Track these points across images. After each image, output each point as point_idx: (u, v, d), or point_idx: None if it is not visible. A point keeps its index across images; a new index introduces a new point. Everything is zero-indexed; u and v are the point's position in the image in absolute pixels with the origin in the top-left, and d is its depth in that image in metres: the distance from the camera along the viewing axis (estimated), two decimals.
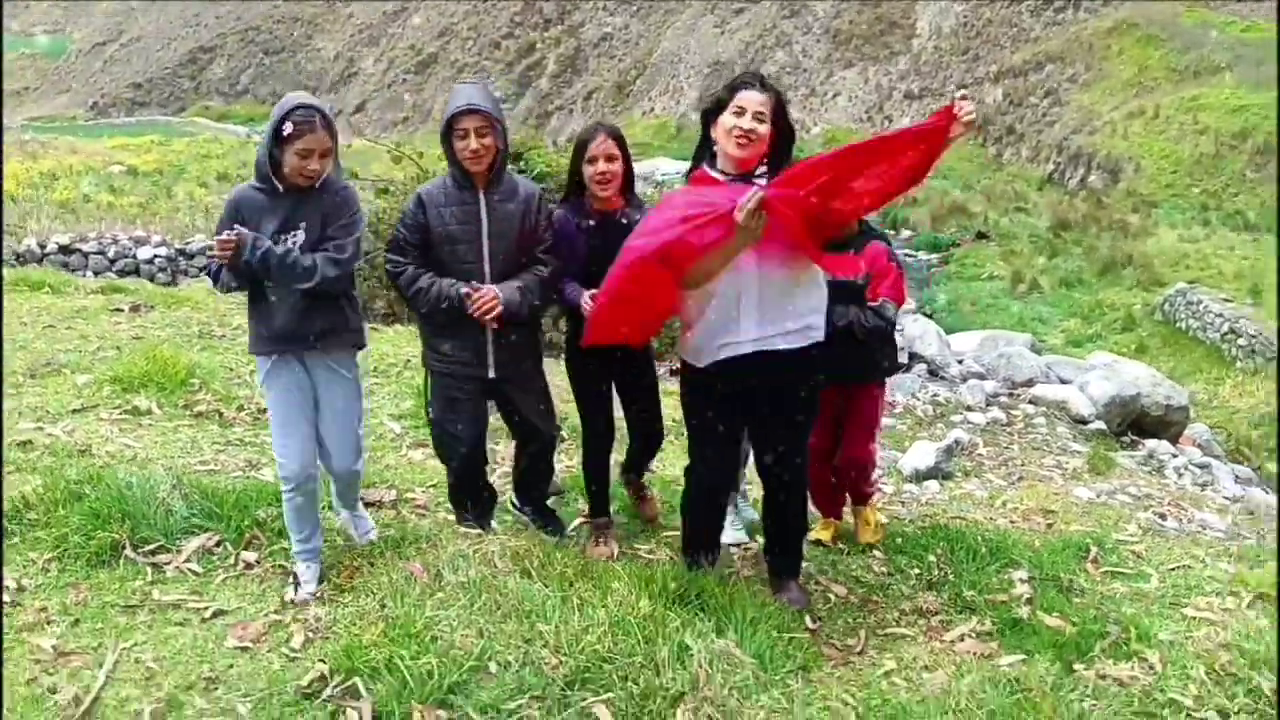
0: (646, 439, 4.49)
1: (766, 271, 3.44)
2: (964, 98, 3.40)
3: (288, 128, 3.30)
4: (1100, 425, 8.14)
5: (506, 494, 4.62)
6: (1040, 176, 45.12)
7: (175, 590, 3.52)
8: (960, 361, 9.58)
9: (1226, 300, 22.91)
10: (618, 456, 4.54)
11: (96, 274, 16.93)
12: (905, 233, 35.47)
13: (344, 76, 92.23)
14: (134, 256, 18.32)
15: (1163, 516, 5.72)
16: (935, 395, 8.48)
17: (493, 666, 2.98)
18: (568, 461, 5.47)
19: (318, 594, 3.53)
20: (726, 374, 3.53)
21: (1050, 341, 22.18)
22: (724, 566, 4.07)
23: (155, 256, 18.46)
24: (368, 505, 4.39)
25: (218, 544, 3.82)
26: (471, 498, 4.19)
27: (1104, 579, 4.18)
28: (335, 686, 2.93)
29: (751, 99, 3.45)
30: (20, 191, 24.74)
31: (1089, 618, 3.66)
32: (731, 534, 4.45)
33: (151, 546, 3.73)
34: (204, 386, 6.07)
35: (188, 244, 19.02)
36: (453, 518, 4.29)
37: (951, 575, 4.09)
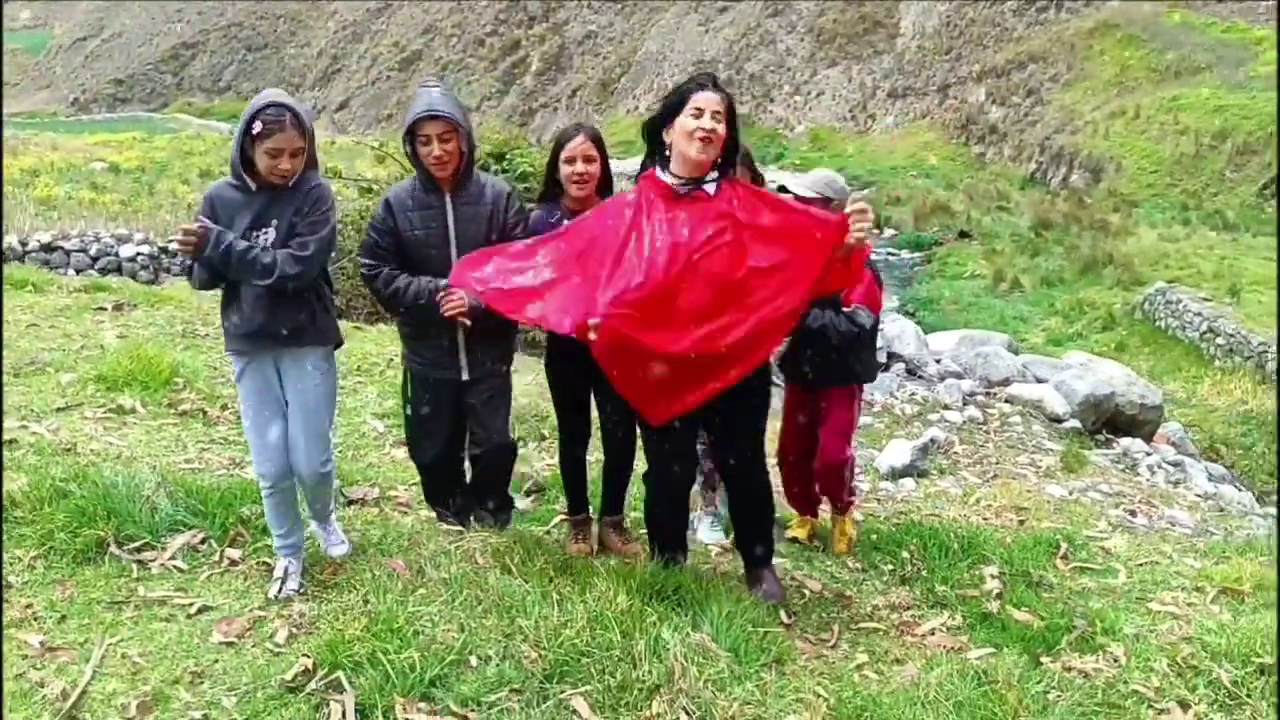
0: (619, 453, 4.39)
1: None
2: (861, 211, 3.40)
3: (257, 126, 3.29)
4: (1075, 424, 8.26)
5: None
6: (1022, 176, 45.41)
7: (160, 587, 3.56)
8: (938, 361, 9.69)
9: (1205, 299, 23.08)
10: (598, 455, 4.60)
11: (78, 272, 16.87)
12: (888, 231, 35.67)
13: (327, 73, 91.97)
14: (116, 254, 18.25)
15: (1133, 513, 5.83)
16: (913, 394, 8.58)
17: (473, 660, 3.05)
18: (549, 460, 5.53)
19: (301, 590, 3.59)
20: None
21: (1031, 340, 22.34)
22: (700, 563, 4.14)
23: (138, 254, 18.40)
24: (351, 503, 4.44)
25: (202, 541, 3.86)
26: (446, 496, 4.23)
27: (1073, 574, 4.27)
28: (319, 680, 2.98)
29: (710, 99, 3.45)
30: None
31: (1057, 612, 3.76)
32: (710, 534, 4.53)
33: (137, 544, 3.76)
34: (188, 385, 6.10)
35: (170, 242, 18.96)
36: (435, 515, 4.35)
37: (924, 571, 4.18)
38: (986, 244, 31.92)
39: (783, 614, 3.78)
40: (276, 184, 3.40)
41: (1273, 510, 8.08)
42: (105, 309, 8.60)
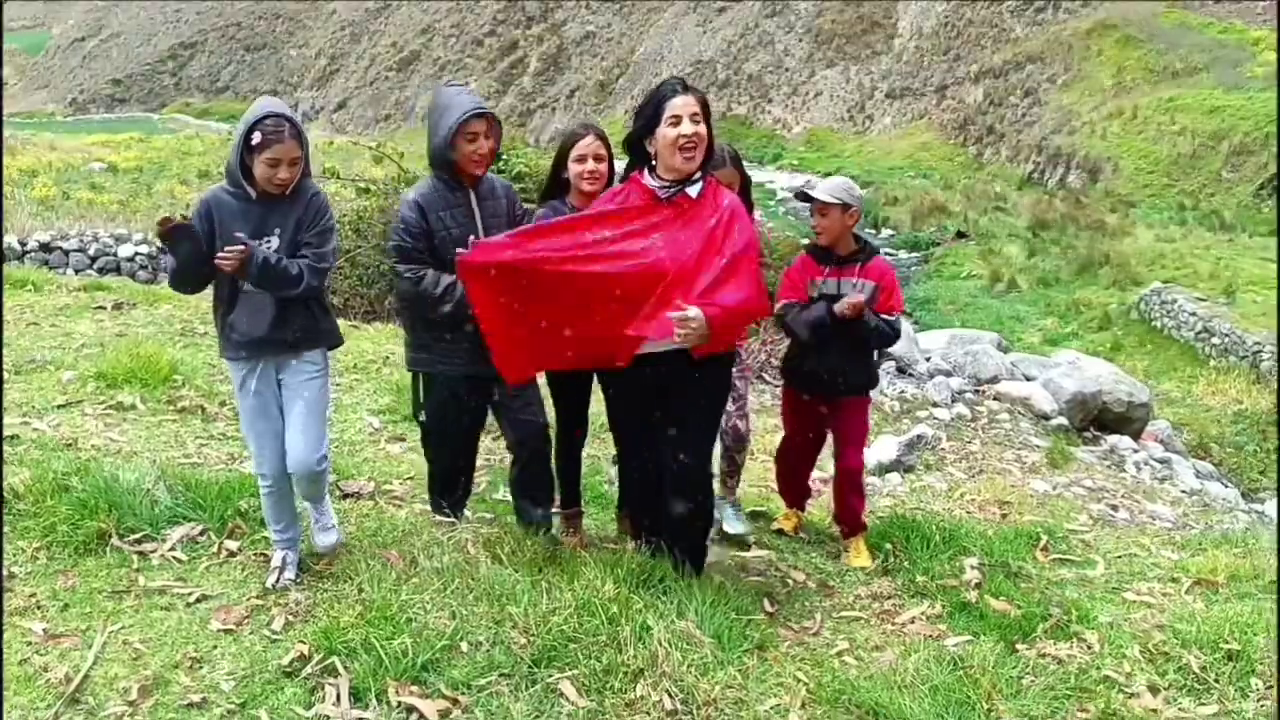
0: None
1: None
2: (683, 321, 3.42)
3: (256, 137, 3.34)
4: (1062, 421, 8.36)
5: (482, 486, 4.77)
6: (1020, 176, 45.54)
7: (161, 577, 3.65)
8: (928, 359, 9.79)
9: (1201, 299, 23.21)
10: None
11: (77, 271, 16.92)
12: (886, 232, 35.80)
13: (325, 73, 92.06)
14: (115, 254, 18.31)
15: (1114, 508, 5.93)
16: (902, 392, 8.69)
17: (464, 646, 3.15)
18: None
19: (298, 580, 3.68)
20: (647, 364, 3.62)
21: (1027, 340, 22.45)
22: None
23: (136, 254, 18.46)
24: (345, 497, 4.53)
25: (201, 533, 3.96)
26: (455, 493, 4.31)
27: (1052, 566, 4.38)
28: (314, 665, 3.08)
29: (684, 104, 3.49)
30: None
31: (1034, 601, 3.85)
32: (736, 525, 4.58)
33: (137, 535, 3.86)
34: (186, 383, 6.19)
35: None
36: (428, 508, 4.44)
37: (906, 563, 4.28)
38: (983, 244, 32.05)
39: (766, 603, 3.88)
40: (274, 193, 3.44)
41: (1258, 506, 8.18)
42: (104, 308, 8.68)
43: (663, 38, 73.06)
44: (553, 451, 4.32)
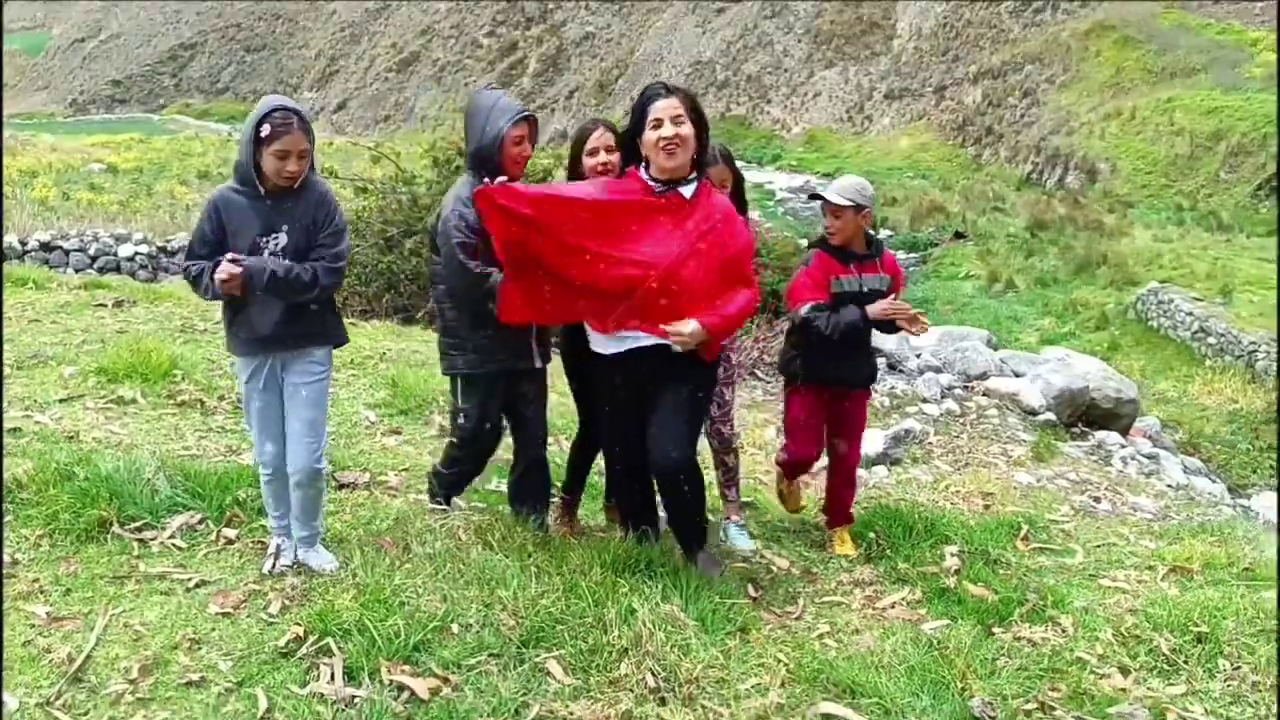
0: None
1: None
2: (676, 334, 3.56)
3: (265, 130, 3.41)
4: (1050, 416, 8.46)
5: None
6: (1018, 177, 45.62)
7: (161, 563, 3.75)
8: (918, 355, 9.89)
9: (1197, 299, 23.31)
10: None
11: (77, 271, 17.05)
12: (884, 232, 35.83)
13: (325, 74, 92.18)
14: (115, 254, 18.45)
15: (1097, 500, 6.03)
16: (893, 388, 8.79)
17: (455, 627, 3.26)
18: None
19: (294, 565, 3.78)
20: (633, 358, 3.71)
21: (1025, 340, 22.51)
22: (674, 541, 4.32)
23: (136, 254, 18.60)
24: (342, 487, 4.63)
25: (200, 521, 4.06)
26: (464, 487, 4.39)
27: (1031, 554, 4.48)
28: (309, 646, 3.18)
29: (666, 106, 3.61)
30: None
31: (1011, 587, 3.95)
32: (742, 541, 4.58)
33: (138, 524, 3.96)
34: (186, 377, 6.29)
35: (169, 241, 19.17)
36: (423, 499, 4.54)
37: (889, 551, 4.38)
38: (982, 245, 32.11)
39: (750, 588, 3.98)
40: (283, 187, 3.51)
41: (1244, 501, 8.29)
42: (105, 305, 8.78)
43: (662, 38, 73.19)
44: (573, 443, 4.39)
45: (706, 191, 3.76)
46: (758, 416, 7.23)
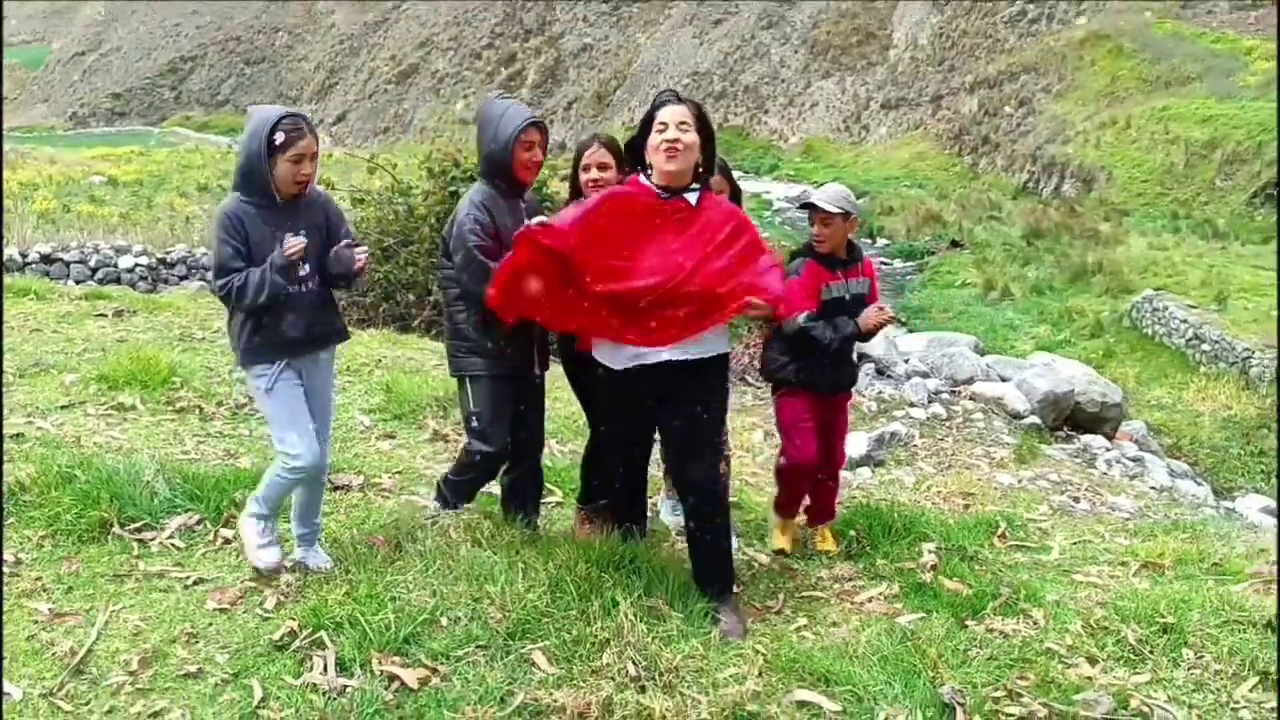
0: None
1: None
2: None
3: (279, 137, 3.48)
4: (1035, 420, 8.58)
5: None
6: (1015, 185, 45.79)
7: (160, 562, 3.88)
8: (906, 360, 10.01)
9: (1192, 307, 23.42)
10: None
11: (78, 282, 17.14)
12: (881, 241, 36.02)
13: (325, 86, 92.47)
14: (115, 265, 18.55)
15: (1075, 500, 6.15)
16: (880, 392, 8.92)
17: (444, 620, 3.39)
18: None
19: (291, 565, 3.90)
20: (640, 372, 3.72)
21: (1020, 348, 22.55)
22: (660, 541, 4.45)
23: (136, 265, 18.70)
24: (336, 489, 4.75)
25: (198, 522, 4.19)
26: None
27: (1008, 551, 4.59)
28: (303, 639, 3.31)
29: (672, 112, 3.67)
30: None
31: (986, 582, 4.06)
32: (671, 517, 4.76)
33: (137, 525, 4.08)
34: (185, 384, 6.41)
35: (168, 253, 19.30)
36: (416, 499, 4.67)
37: (868, 548, 4.50)
38: (978, 253, 32.23)
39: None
40: (295, 193, 3.61)
41: (1228, 503, 8.40)
42: (106, 315, 8.90)
43: (659, 50, 73.53)
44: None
45: (711, 201, 3.79)
46: (745, 420, 7.36)
